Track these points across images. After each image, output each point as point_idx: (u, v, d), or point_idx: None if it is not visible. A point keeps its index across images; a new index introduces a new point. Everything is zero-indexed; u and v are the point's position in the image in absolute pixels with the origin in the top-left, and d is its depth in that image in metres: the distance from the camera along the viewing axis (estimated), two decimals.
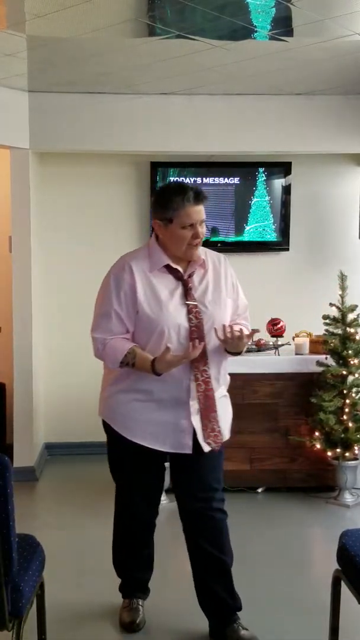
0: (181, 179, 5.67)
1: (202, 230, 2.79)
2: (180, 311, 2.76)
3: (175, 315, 2.74)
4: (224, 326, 2.74)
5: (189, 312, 2.76)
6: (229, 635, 2.88)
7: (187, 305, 2.77)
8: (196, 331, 2.75)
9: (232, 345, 2.76)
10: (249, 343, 4.39)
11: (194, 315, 2.76)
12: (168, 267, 2.82)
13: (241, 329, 2.75)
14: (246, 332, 2.78)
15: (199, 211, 2.76)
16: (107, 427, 2.95)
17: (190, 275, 2.84)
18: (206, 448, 2.80)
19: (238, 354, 2.85)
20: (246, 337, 2.76)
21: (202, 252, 2.89)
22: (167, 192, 2.81)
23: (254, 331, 2.83)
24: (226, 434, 2.93)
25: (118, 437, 2.89)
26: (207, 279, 2.87)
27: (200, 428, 2.79)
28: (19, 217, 5.25)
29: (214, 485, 2.90)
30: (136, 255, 2.89)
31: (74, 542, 4.06)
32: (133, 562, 3.12)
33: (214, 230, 5.74)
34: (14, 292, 5.27)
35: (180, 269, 2.83)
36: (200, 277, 2.87)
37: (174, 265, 2.82)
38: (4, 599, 2.22)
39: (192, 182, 5.68)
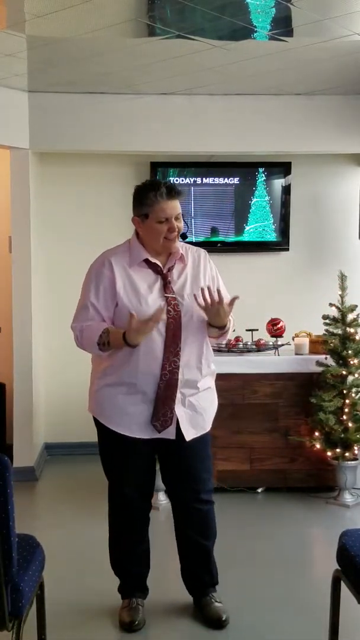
0: (181, 179, 5.68)
1: (179, 225, 2.88)
2: (158, 304, 2.84)
3: (154, 308, 2.82)
4: (202, 290, 2.81)
5: (167, 304, 2.85)
6: (203, 605, 3.11)
7: (166, 297, 2.87)
8: (173, 322, 2.84)
9: (213, 313, 2.83)
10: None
11: (172, 307, 2.85)
12: (147, 262, 2.92)
13: (219, 291, 2.81)
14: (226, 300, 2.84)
15: (173, 206, 2.86)
16: (96, 421, 3.04)
17: (169, 269, 2.94)
18: (150, 432, 2.89)
19: (222, 328, 2.90)
20: (227, 305, 2.83)
21: (182, 247, 2.99)
22: (142, 189, 2.92)
23: (235, 298, 2.86)
24: (207, 426, 3.01)
25: (107, 430, 2.97)
26: (186, 272, 2.96)
27: (151, 412, 2.88)
28: (19, 217, 5.25)
29: (203, 475, 3.02)
30: (116, 251, 3.00)
31: (73, 542, 4.06)
32: (129, 558, 3.14)
33: (213, 231, 5.74)
34: (14, 292, 5.27)
35: (159, 263, 2.93)
36: (180, 270, 2.96)
37: (153, 260, 2.91)
38: (4, 599, 2.22)
39: (192, 182, 5.70)
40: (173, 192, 2.85)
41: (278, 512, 4.54)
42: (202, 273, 2.98)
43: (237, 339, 4.86)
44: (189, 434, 2.93)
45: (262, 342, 4.90)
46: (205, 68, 4.62)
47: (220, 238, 5.71)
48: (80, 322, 2.93)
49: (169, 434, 2.92)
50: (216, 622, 3.03)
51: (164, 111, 5.32)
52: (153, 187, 2.86)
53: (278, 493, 4.84)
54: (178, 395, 2.90)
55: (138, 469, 3.01)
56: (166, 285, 2.90)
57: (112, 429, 2.94)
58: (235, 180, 5.75)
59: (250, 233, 5.77)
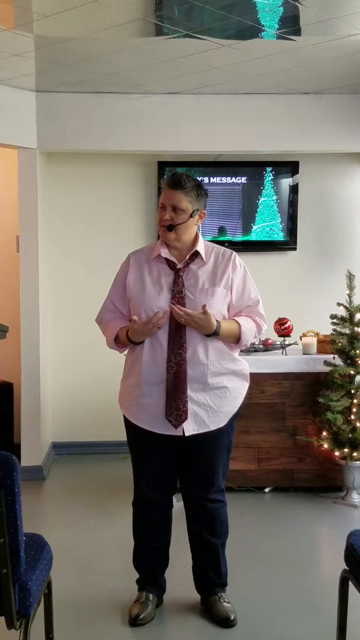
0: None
1: (174, 216, 2.94)
2: (162, 296, 2.94)
3: (155, 300, 2.93)
4: (169, 306, 2.88)
5: (172, 297, 2.93)
6: (211, 604, 3.11)
7: (172, 291, 2.95)
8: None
9: (191, 325, 2.87)
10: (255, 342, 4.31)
11: (177, 301, 2.92)
12: (164, 257, 3.02)
13: (179, 307, 2.84)
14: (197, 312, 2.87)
15: (170, 195, 2.96)
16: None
17: (186, 265, 3.00)
18: (166, 427, 2.93)
19: (214, 334, 2.91)
20: (200, 314, 2.83)
21: (209, 247, 3.07)
22: None
23: (203, 306, 2.86)
24: (212, 425, 2.98)
25: (127, 420, 3.08)
26: (203, 270, 3.01)
27: (164, 406, 2.93)
28: (27, 217, 5.26)
29: (210, 474, 3.05)
30: (144, 248, 3.18)
31: (81, 541, 4.07)
32: (143, 552, 3.16)
33: (221, 230, 5.74)
34: (22, 291, 5.28)
35: (172, 259, 3.01)
36: (197, 268, 3.01)
37: (164, 255, 3.00)
38: (12, 598, 2.22)
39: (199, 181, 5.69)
40: (173, 181, 2.96)
41: (285, 512, 4.53)
42: (220, 274, 3.00)
43: None
44: (189, 429, 2.94)
45: (269, 341, 4.89)
46: (213, 67, 4.61)
47: (228, 237, 5.70)
48: (101, 315, 3.14)
49: (173, 430, 2.95)
50: (224, 622, 3.03)
51: (171, 111, 5.32)
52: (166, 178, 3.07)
53: (285, 493, 4.84)
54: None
55: (153, 462, 3.04)
56: (176, 280, 2.96)
57: (130, 420, 3.06)
58: (243, 180, 5.74)
59: (258, 232, 5.77)
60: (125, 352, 3.13)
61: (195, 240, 3.04)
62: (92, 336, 5.81)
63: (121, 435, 4.94)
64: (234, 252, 3.09)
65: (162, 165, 5.70)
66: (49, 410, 5.73)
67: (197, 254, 3.01)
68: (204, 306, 2.85)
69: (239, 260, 3.07)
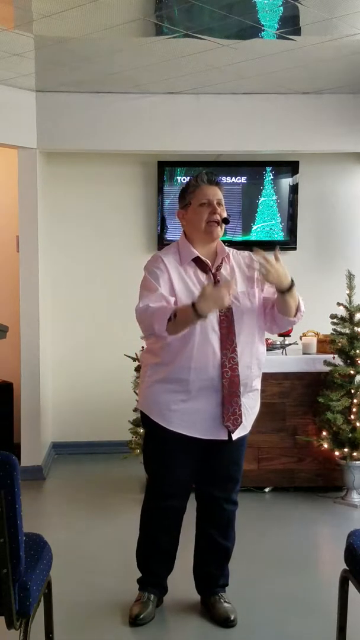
0: (188, 178, 5.66)
1: (222, 211, 2.94)
2: None
3: None
4: (250, 257, 2.93)
5: None
6: (211, 604, 3.12)
7: None
8: (226, 320, 2.88)
9: (273, 275, 2.82)
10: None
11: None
12: (197, 260, 2.95)
13: (261, 254, 2.82)
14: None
15: (214, 191, 2.96)
16: (144, 418, 3.05)
17: (218, 268, 2.97)
18: (212, 431, 2.91)
19: (290, 288, 2.87)
20: (272, 262, 2.83)
21: (228, 250, 3.05)
22: (186, 183, 3.07)
23: (275, 254, 2.88)
24: (248, 427, 3.04)
25: (155, 427, 2.97)
26: (236, 272, 2.99)
27: (220, 412, 2.89)
28: (27, 217, 5.25)
29: (237, 476, 3.10)
30: (167, 251, 3.04)
31: (81, 541, 4.07)
32: (153, 555, 3.15)
33: None
34: (21, 291, 5.28)
35: (208, 261, 2.97)
36: (228, 271, 2.99)
37: (203, 258, 2.95)
38: (12, 598, 2.22)
39: None
40: (213, 178, 2.98)
41: (285, 512, 4.54)
42: (249, 276, 3.00)
43: None
44: (236, 432, 2.95)
45: (269, 341, 4.87)
46: (213, 67, 4.61)
47: (228, 237, 5.69)
48: (147, 303, 2.82)
49: (222, 434, 2.92)
50: (224, 622, 3.04)
51: (171, 110, 5.31)
52: (195, 176, 3.00)
53: (285, 493, 4.84)
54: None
55: (180, 469, 3.00)
56: (215, 284, 2.89)
57: (163, 426, 2.93)
58: (243, 180, 5.74)
59: (258, 232, 5.77)
60: (169, 338, 2.81)
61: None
62: (92, 336, 5.84)
63: (121, 435, 4.99)
64: (251, 252, 3.07)
65: (162, 165, 5.70)
66: (49, 410, 5.73)
67: (227, 256, 3.01)
68: (276, 252, 2.84)
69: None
